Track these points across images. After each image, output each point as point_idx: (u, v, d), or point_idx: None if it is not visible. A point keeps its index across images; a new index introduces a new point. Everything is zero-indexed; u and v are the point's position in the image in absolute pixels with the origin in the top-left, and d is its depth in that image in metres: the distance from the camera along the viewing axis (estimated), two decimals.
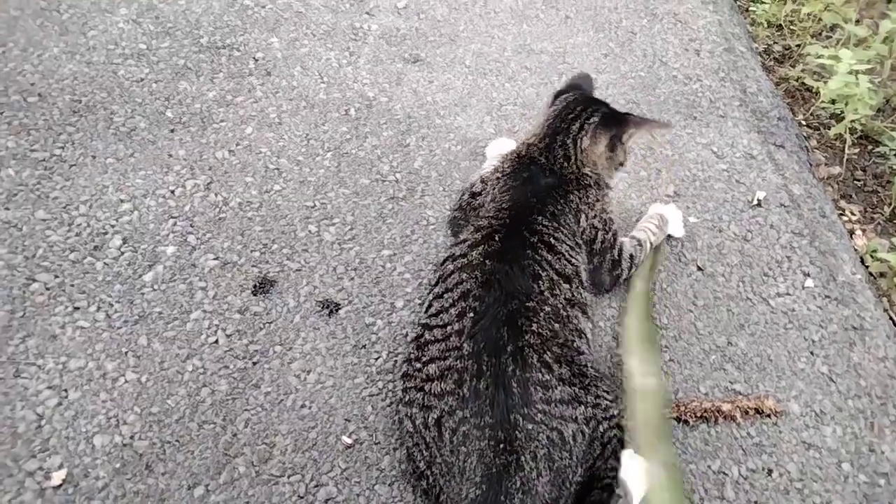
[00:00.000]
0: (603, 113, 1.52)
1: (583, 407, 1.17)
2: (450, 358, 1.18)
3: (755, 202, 1.90)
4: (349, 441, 1.32)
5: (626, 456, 1.27)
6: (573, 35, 2.50)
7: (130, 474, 1.24)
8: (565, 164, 1.49)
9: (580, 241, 1.45)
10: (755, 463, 1.33)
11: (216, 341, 1.45)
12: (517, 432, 1.10)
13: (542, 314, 1.23)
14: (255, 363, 1.42)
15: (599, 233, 1.48)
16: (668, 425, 1.33)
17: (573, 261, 1.37)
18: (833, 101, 2.33)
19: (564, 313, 1.28)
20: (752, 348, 1.53)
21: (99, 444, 1.27)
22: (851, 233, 1.96)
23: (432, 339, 1.24)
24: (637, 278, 1.59)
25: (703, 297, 1.63)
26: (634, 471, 1.23)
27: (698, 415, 1.37)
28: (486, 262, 1.29)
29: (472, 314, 1.21)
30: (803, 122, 2.38)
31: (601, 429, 1.18)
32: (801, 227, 1.83)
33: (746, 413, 1.39)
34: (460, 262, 1.33)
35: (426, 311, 1.32)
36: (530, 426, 1.11)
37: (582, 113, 1.52)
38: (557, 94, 1.62)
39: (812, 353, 1.54)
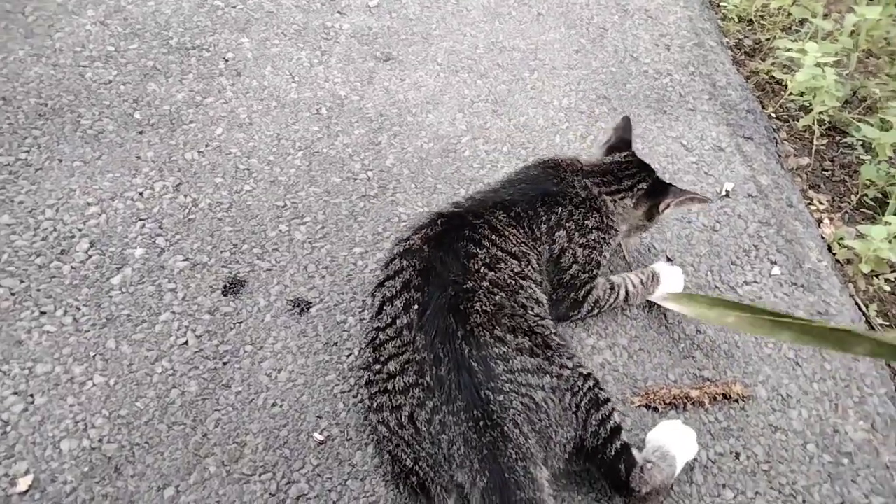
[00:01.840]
0: (650, 182, 1.54)
1: (548, 377, 1.19)
2: (406, 352, 1.18)
3: (723, 193, 1.92)
4: (321, 438, 1.32)
5: (666, 424, 1.31)
6: (545, 32, 2.51)
7: (99, 478, 1.23)
8: (584, 186, 1.49)
9: (549, 255, 1.43)
10: (723, 447, 1.35)
11: (186, 342, 1.44)
12: (491, 406, 1.11)
13: (481, 291, 1.24)
14: (225, 363, 1.42)
15: (574, 266, 1.45)
16: None
17: (523, 248, 1.37)
18: (802, 94, 2.36)
19: (512, 282, 1.29)
20: (720, 336, 1.55)
21: (66, 449, 1.26)
22: (819, 221, 1.99)
23: (385, 338, 1.23)
24: None
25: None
26: (677, 437, 1.27)
27: (667, 402, 1.39)
28: (425, 247, 1.30)
29: (416, 306, 1.22)
30: (773, 115, 2.41)
31: (573, 401, 1.19)
32: (768, 217, 1.86)
33: (715, 399, 1.40)
34: (403, 246, 1.33)
35: (372, 303, 1.32)
36: (501, 397, 1.12)
37: (635, 175, 1.55)
38: (610, 148, 1.63)
39: None
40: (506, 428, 1.10)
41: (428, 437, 1.13)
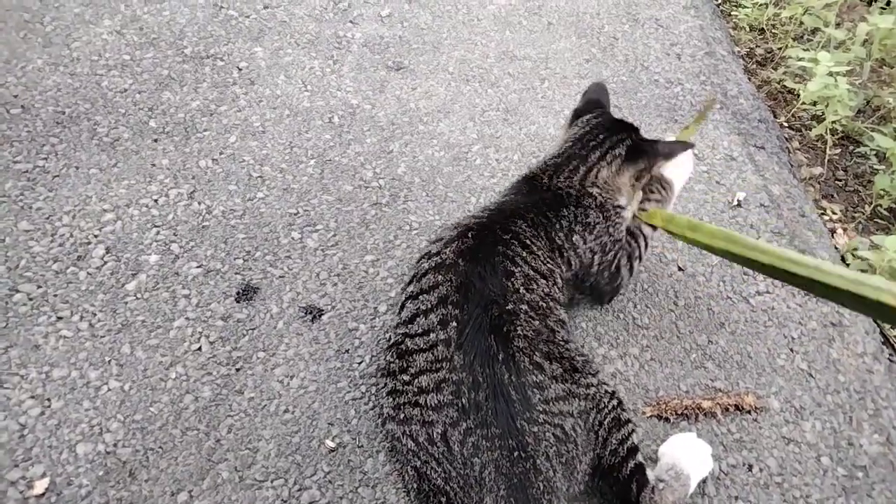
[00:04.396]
0: (629, 145, 1.44)
1: (577, 401, 1.18)
2: (442, 370, 1.16)
3: (735, 203, 1.92)
4: (332, 445, 1.32)
5: (680, 438, 1.30)
6: (556, 41, 2.52)
7: (114, 482, 1.24)
8: (568, 183, 1.44)
9: (569, 257, 1.39)
10: (736, 458, 1.34)
11: (199, 348, 1.46)
12: (527, 438, 1.10)
13: (522, 315, 1.23)
14: (238, 369, 1.43)
15: (596, 256, 1.42)
16: None
17: (549, 264, 1.36)
18: (814, 103, 2.36)
19: (544, 304, 1.28)
20: (732, 346, 1.55)
21: (82, 453, 1.27)
22: (833, 232, 1.98)
23: (415, 348, 1.21)
24: None
25: (684, 297, 1.65)
26: (691, 453, 1.26)
27: (679, 412, 1.39)
28: (459, 261, 1.27)
29: (454, 323, 1.19)
30: (785, 124, 2.41)
31: (597, 419, 1.19)
32: (780, 227, 1.85)
33: (727, 410, 1.40)
34: (434, 260, 1.30)
35: (400, 313, 1.31)
36: (536, 429, 1.11)
37: (605, 141, 1.45)
38: (577, 114, 1.54)
39: (791, 349, 1.55)
40: (538, 461, 1.10)
41: (460, 458, 1.11)
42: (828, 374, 1.51)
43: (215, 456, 1.29)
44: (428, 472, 1.14)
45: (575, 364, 1.23)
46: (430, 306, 1.24)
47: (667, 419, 1.39)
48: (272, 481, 1.27)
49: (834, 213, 2.07)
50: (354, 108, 2.11)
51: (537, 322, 1.24)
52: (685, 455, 1.26)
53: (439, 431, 1.13)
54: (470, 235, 1.32)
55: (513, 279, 1.26)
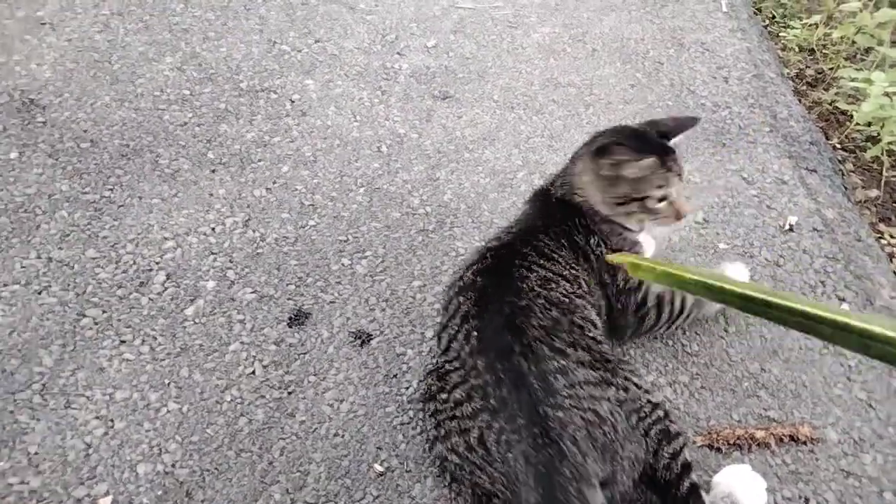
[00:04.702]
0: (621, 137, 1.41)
1: (613, 389, 1.18)
2: (470, 379, 1.20)
3: (787, 227, 1.88)
4: (381, 469, 1.34)
5: (736, 469, 1.28)
6: (600, 67, 2.54)
7: (171, 501, 1.29)
8: (562, 191, 1.48)
9: (594, 272, 1.41)
10: (791, 491, 1.31)
11: (253, 372, 1.50)
12: (550, 423, 1.11)
13: (537, 308, 1.24)
14: (290, 393, 1.47)
15: (620, 272, 1.41)
16: None
17: (572, 269, 1.36)
18: (869, 124, 2.30)
19: (566, 300, 1.28)
20: (786, 374, 1.51)
21: (142, 472, 1.32)
22: (891, 256, 1.92)
23: (451, 368, 1.25)
24: None
25: (735, 324, 1.62)
26: (747, 485, 1.24)
27: (731, 442, 1.36)
28: (478, 279, 1.32)
29: (475, 333, 1.23)
30: (838, 146, 2.36)
31: (641, 423, 1.18)
32: (835, 252, 1.81)
33: (781, 440, 1.36)
34: (458, 286, 1.36)
35: (439, 346, 1.35)
36: (560, 413, 1.12)
37: (597, 138, 1.47)
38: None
39: (849, 378, 1.50)
40: (563, 445, 1.10)
41: (499, 458, 1.13)
42: (889, 404, 1.46)
43: (268, 478, 1.33)
44: (477, 481, 1.17)
45: (607, 357, 1.23)
46: (456, 329, 1.28)
47: (718, 449, 1.36)
48: None
49: (892, 237, 2.00)
50: (402, 137, 2.17)
51: (555, 313, 1.25)
52: (741, 486, 1.24)
53: (476, 436, 1.16)
54: (489, 256, 1.37)
55: (527, 281, 1.28)
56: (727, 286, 0.60)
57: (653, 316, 1.47)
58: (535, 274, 1.31)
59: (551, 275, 1.32)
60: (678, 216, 1.42)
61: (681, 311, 1.50)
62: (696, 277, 0.67)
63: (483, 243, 1.47)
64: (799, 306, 0.54)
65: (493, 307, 1.26)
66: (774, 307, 0.56)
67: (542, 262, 1.34)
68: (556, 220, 1.44)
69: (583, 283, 1.38)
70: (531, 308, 1.24)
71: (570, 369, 1.17)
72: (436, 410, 1.26)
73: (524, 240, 1.39)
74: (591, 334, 1.28)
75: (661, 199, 1.39)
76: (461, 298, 1.32)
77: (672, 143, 1.42)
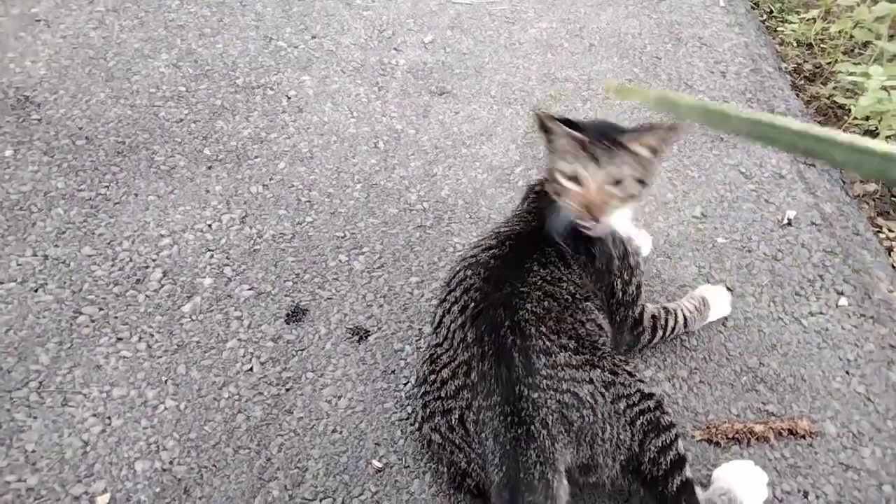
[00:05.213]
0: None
1: (598, 371, 1.17)
2: (458, 356, 1.20)
3: (785, 221, 1.88)
4: (379, 465, 1.34)
5: (737, 465, 1.28)
6: (597, 62, 2.53)
7: (170, 499, 1.28)
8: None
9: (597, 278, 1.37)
10: (790, 485, 1.31)
11: (251, 369, 1.50)
12: (522, 403, 1.11)
13: (535, 296, 1.24)
14: (288, 389, 1.46)
15: (618, 281, 1.37)
16: None
17: (587, 281, 1.35)
18: (867, 118, 2.30)
19: (567, 297, 1.27)
20: (784, 368, 1.51)
21: (140, 470, 1.32)
22: (890, 250, 1.91)
23: (441, 351, 1.25)
24: None
25: (733, 318, 1.62)
26: (747, 480, 1.24)
27: (730, 436, 1.36)
28: (492, 261, 1.30)
29: (472, 304, 1.23)
30: None
31: (628, 412, 1.16)
32: (833, 246, 1.80)
33: (780, 434, 1.36)
34: (468, 260, 1.34)
35: (433, 322, 1.34)
36: (535, 395, 1.12)
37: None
38: None
39: (848, 372, 1.50)
40: (532, 427, 1.09)
41: (476, 438, 1.14)
42: (888, 398, 1.46)
43: (266, 474, 1.32)
44: (454, 460, 1.19)
45: (597, 345, 1.23)
46: (455, 298, 1.27)
47: (717, 444, 1.36)
48: (321, 500, 1.29)
49: (891, 230, 2.00)
50: (399, 132, 2.16)
51: (552, 304, 1.24)
52: (740, 482, 1.24)
53: (456, 417, 1.17)
54: (507, 244, 1.34)
55: (535, 274, 1.27)
56: (729, 111, 0.59)
57: (647, 336, 1.46)
58: (546, 270, 1.29)
59: (559, 273, 1.31)
60: (588, 205, 1.26)
61: (673, 329, 1.50)
62: (691, 103, 0.64)
63: (502, 228, 1.43)
64: (806, 129, 0.54)
65: (497, 285, 1.25)
66: (781, 129, 0.55)
67: (557, 262, 1.31)
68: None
69: (591, 295, 1.35)
70: (529, 294, 1.24)
71: (553, 351, 1.17)
72: (425, 393, 1.27)
73: (546, 238, 1.34)
74: (588, 328, 1.27)
75: (569, 178, 1.30)
76: (469, 272, 1.30)
77: (639, 141, 1.31)
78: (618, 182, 1.26)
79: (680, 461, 1.17)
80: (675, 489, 1.15)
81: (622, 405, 1.17)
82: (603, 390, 1.16)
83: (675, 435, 1.19)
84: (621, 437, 1.16)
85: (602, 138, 1.27)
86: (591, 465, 1.15)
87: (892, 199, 2.13)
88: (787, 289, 1.69)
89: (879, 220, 2.04)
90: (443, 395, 1.20)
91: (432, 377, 1.25)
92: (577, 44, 2.63)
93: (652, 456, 1.16)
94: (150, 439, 1.37)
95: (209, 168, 1.99)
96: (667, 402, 1.44)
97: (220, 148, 2.06)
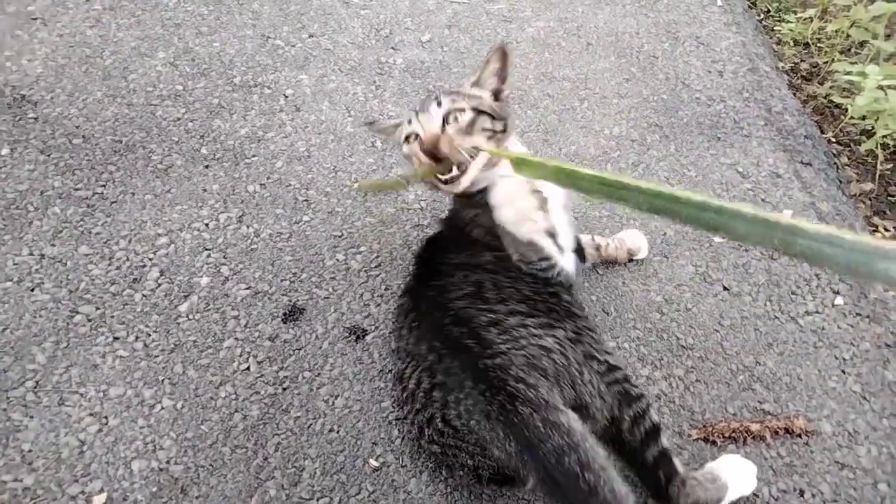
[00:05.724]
0: None
1: (561, 331, 1.19)
2: (420, 365, 1.24)
3: None
4: (376, 464, 1.34)
5: (729, 457, 1.30)
6: (595, 61, 2.53)
7: (167, 498, 1.28)
8: None
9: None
10: (786, 483, 1.31)
11: (248, 368, 1.50)
12: (490, 373, 1.12)
13: (456, 278, 1.28)
14: (284, 389, 1.46)
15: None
16: None
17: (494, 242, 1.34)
18: (863, 118, 2.30)
19: (489, 265, 1.30)
20: (780, 367, 1.51)
21: (137, 469, 1.32)
22: None
23: (404, 366, 1.29)
24: None
25: (730, 317, 1.62)
26: (734, 468, 1.26)
27: (726, 435, 1.36)
28: (414, 277, 1.41)
29: (415, 323, 1.29)
30: (833, 140, 2.36)
31: (601, 377, 1.18)
32: None
33: (776, 433, 1.37)
34: (405, 287, 1.46)
35: (394, 354, 1.44)
36: (499, 360, 1.13)
37: None
38: None
39: (843, 371, 1.51)
40: (509, 387, 1.10)
41: (466, 430, 1.15)
42: (883, 396, 1.46)
43: (263, 474, 1.32)
44: (462, 461, 1.18)
45: (553, 307, 1.25)
46: (401, 325, 1.35)
47: (714, 442, 1.37)
48: (318, 500, 1.29)
49: (886, 230, 2.00)
50: None
51: (479, 276, 1.28)
52: (727, 466, 1.26)
53: (439, 420, 1.18)
54: (424, 256, 1.44)
55: (447, 265, 1.32)
56: (625, 181, 0.57)
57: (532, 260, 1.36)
58: (457, 254, 1.34)
59: (471, 250, 1.35)
60: (429, 150, 1.25)
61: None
62: (591, 173, 0.62)
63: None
64: (706, 201, 0.54)
65: (422, 293, 1.32)
66: (685, 203, 0.55)
67: (463, 240, 1.37)
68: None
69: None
70: (452, 283, 1.27)
71: (500, 320, 1.18)
72: (406, 413, 1.28)
73: (451, 223, 1.45)
74: (530, 289, 1.28)
75: (406, 140, 1.35)
76: (404, 298, 1.40)
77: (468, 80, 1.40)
78: (455, 119, 1.28)
79: (654, 430, 1.20)
80: (652, 458, 1.18)
81: (594, 365, 1.19)
82: (570, 344, 1.18)
83: (647, 404, 1.22)
84: (601, 389, 1.17)
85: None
86: (582, 406, 1.15)
87: (889, 198, 2.13)
88: (784, 288, 1.69)
89: (875, 220, 2.04)
90: (419, 406, 1.22)
91: (404, 395, 1.27)
92: (575, 43, 2.63)
93: (628, 425, 1.18)
94: (147, 439, 1.37)
95: (206, 167, 1.98)
96: (664, 400, 1.45)
97: (217, 147, 2.05)
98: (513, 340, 1.16)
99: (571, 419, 1.09)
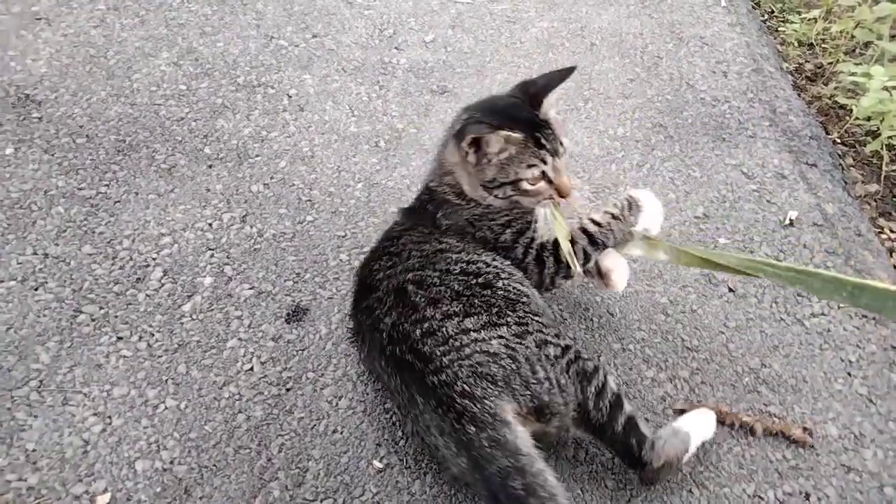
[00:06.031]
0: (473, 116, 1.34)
1: (504, 328, 1.18)
2: (384, 386, 1.31)
3: (787, 222, 1.87)
4: (380, 465, 1.34)
5: (697, 413, 1.33)
6: (599, 61, 2.53)
7: (170, 498, 1.28)
8: (432, 179, 1.46)
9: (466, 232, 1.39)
10: (792, 486, 1.30)
11: (251, 368, 1.50)
12: (437, 390, 1.12)
13: (381, 289, 1.29)
14: (288, 389, 1.46)
15: (487, 233, 1.37)
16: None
17: (431, 234, 1.37)
18: (868, 119, 2.30)
19: (420, 259, 1.31)
20: (786, 370, 1.51)
21: (140, 469, 1.32)
22: (891, 251, 1.91)
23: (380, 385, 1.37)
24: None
25: (735, 319, 1.61)
26: (693, 418, 1.30)
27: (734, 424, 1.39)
28: (357, 307, 1.39)
29: (364, 346, 1.33)
30: (838, 140, 2.35)
31: (560, 358, 1.18)
32: (835, 246, 1.80)
33: (772, 434, 1.37)
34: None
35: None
36: (444, 375, 1.12)
37: (462, 115, 1.38)
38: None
39: (849, 374, 1.50)
40: (456, 404, 1.10)
41: (433, 446, 1.16)
42: (889, 399, 1.46)
43: (267, 474, 1.32)
44: (454, 475, 1.20)
45: (491, 301, 1.23)
46: (359, 346, 1.41)
47: (731, 425, 1.39)
48: (321, 501, 1.29)
49: (892, 231, 2.00)
50: (400, 132, 2.15)
51: (405, 277, 1.27)
52: (686, 418, 1.30)
53: (419, 440, 1.24)
54: (360, 285, 1.42)
55: (374, 279, 1.33)
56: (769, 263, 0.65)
57: (535, 271, 1.37)
58: (384, 263, 1.34)
59: (398, 250, 1.36)
60: (562, 193, 1.32)
61: (567, 266, 1.36)
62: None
63: None
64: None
65: (358, 317, 1.35)
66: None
67: (390, 247, 1.38)
68: (419, 210, 1.45)
69: (447, 241, 1.36)
70: (380, 298, 1.27)
71: (436, 328, 1.17)
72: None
73: (387, 238, 1.46)
74: (459, 276, 1.26)
75: (537, 180, 1.30)
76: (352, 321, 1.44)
77: (545, 103, 1.35)
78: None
79: (617, 399, 1.20)
80: (621, 428, 1.19)
81: (550, 351, 1.18)
82: (518, 340, 1.17)
83: (605, 374, 1.22)
84: (560, 381, 1.16)
85: (530, 122, 1.31)
86: (542, 407, 1.14)
87: (894, 200, 2.12)
88: (789, 290, 1.68)
89: (881, 221, 2.03)
90: (402, 421, 1.31)
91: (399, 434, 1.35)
92: (579, 43, 2.63)
93: (593, 402, 1.17)
94: (151, 439, 1.36)
95: (210, 167, 1.98)
96: (668, 402, 1.44)
97: (221, 147, 2.05)
98: (454, 351, 1.14)
99: (519, 439, 1.08)
